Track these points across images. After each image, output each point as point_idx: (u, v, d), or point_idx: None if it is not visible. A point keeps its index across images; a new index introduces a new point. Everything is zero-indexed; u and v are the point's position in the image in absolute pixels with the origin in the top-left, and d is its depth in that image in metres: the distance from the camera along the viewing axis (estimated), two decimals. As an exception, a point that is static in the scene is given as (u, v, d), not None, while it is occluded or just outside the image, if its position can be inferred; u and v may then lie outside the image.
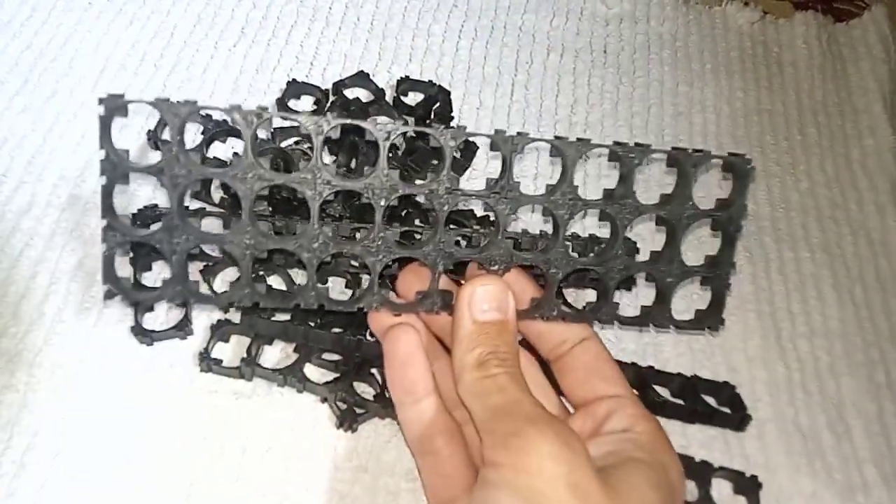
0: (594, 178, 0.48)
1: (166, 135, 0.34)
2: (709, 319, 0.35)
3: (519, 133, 0.32)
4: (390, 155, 0.34)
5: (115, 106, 0.29)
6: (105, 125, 0.29)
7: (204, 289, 0.39)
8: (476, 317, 0.30)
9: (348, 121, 0.31)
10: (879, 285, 0.48)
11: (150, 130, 0.44)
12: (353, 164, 0.43)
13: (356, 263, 0.39)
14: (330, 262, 0.40)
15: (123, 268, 0.38)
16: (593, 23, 0.58)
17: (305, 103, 0.49)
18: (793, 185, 0.52)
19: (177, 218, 0.30)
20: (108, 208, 0.30)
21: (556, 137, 0.32)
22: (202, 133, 0.44)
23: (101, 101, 0.29)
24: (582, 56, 0.56)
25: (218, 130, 0.44)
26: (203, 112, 0.31)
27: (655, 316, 0.34)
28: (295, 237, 0.31)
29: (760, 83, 0.57)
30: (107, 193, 0.30)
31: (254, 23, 0.53)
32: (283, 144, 0.44)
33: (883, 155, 0.54)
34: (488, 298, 0.31)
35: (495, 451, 0.27)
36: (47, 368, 0.37)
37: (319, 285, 0.32)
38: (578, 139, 0.32)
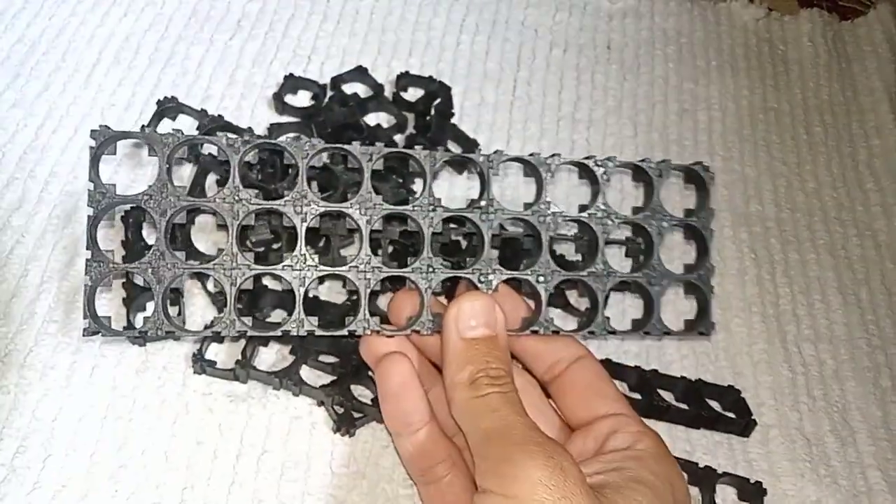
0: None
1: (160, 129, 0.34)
2: (699, 325, 0.36)
3: (495, 151, 0.33)
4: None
5: (106, 138, 0.30)
6: (95, 157, 0.30)
7: (199, 287, 0.38)
8: (464, 334, 0.30)
9: (331, 146, 0.32)
10: (885, 288, 0.47)
11: (143, 126, 0.43)
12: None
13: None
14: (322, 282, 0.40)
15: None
16: (597, 18, 0.57)
17: (303, 98, 0.48)
18: (799, 185, 0.51)
19: (163, 246, 0.30)
20: (92, 240, 0.30)
21: (530, 154, 0.34)
22: (197, 129, 0.43)
23: (92, 133, 0.30)
24: (585, 52, 0.55)
25: (214, 126, 0.43)
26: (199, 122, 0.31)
27: (646, 325, 0.35)
28: (282, 263, 0.31)
29: (766, 81, 0.56)
30: (93, 226, 0.30)
31: (250, 15, 0.52)
32: (281, 139, 0.43)
33: (889, 156, 0.53)
34: (475, 314, 0.30)
35: (486, 479, 0.26)
36: (38, 369, 0.36)
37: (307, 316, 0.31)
38: (552, 155, 0.34)
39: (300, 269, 0.31)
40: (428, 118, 0.47)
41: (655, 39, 0.57)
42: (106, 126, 0.30)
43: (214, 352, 0.37)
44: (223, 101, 0.47)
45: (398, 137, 0.47)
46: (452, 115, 0.48)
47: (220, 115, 0.45)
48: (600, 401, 0.32)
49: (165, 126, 0.44)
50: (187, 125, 0.44)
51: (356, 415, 0.36)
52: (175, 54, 0.49)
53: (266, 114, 0.47)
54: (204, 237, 0.40)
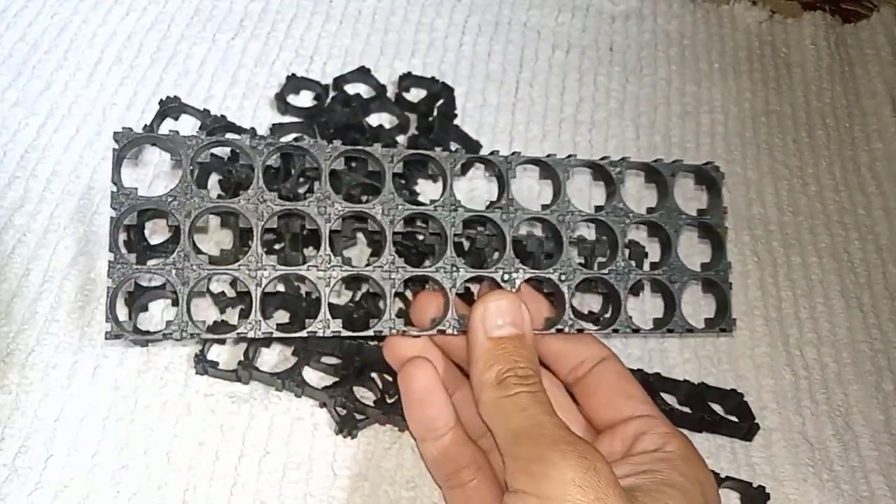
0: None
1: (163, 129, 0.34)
2: (720, 322, 0.36)
3: (513, 153, 0.34)
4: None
5: (129, 140, 0.30)
6: (118, 160, 0.30)
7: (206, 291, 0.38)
8: (491, 333, 0.30)
9: (351, 147, 0.32)
10: (888, 292, 0.47)
11: (145, 125, 0.43)
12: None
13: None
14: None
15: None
16: (599, 20, 0.57)
17: (305, 98, 0.48)
18: (801, 188, 0.51)
19: (188, 247, 0.30)
20: (115, 242, 0.29)
21: (548, 155, 0.34)
22: (200, 129, 0.43)
23: (115, 135, 0.30)
24: (588, 53, 0.55)
25: (216, 126, 0.43)
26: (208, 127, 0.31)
27: (669, 323, 0.35)
28: (307, 264, 0.31)
29: (768, 84, 0.56)
30: (115, 228, 0.29)
31: (253, 15, 0.52)
32: (284, 140, 0.43)
33: (891, 159, 0.53)
34: (501, 313, 0.30)
35: (518, 478, 0.26)
36: (40, 369, 0.36)
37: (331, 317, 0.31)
38: (568, 156, 0.34)
39: (325, 270, 0.31)
40: (430, 119, 0.47)
41: (658, 42, 0.57)
42: (129, 128, 0.30)
43: (216, 352, 0.37)
44: (225, 101, 0.47)
45: (401, 138, 0.46)
46: (455, 116, 0.48)
47: (222, 116, 0.44)
48: (626, 402, 0.31)
49: (167, 126, 0.44)
50: (189, 125, 0.44)
51: (358, 417, 0.36)
52: (177, 54, 0.49)
53: (268, 114, 0.47)
54: (207, 239, 0.40)
